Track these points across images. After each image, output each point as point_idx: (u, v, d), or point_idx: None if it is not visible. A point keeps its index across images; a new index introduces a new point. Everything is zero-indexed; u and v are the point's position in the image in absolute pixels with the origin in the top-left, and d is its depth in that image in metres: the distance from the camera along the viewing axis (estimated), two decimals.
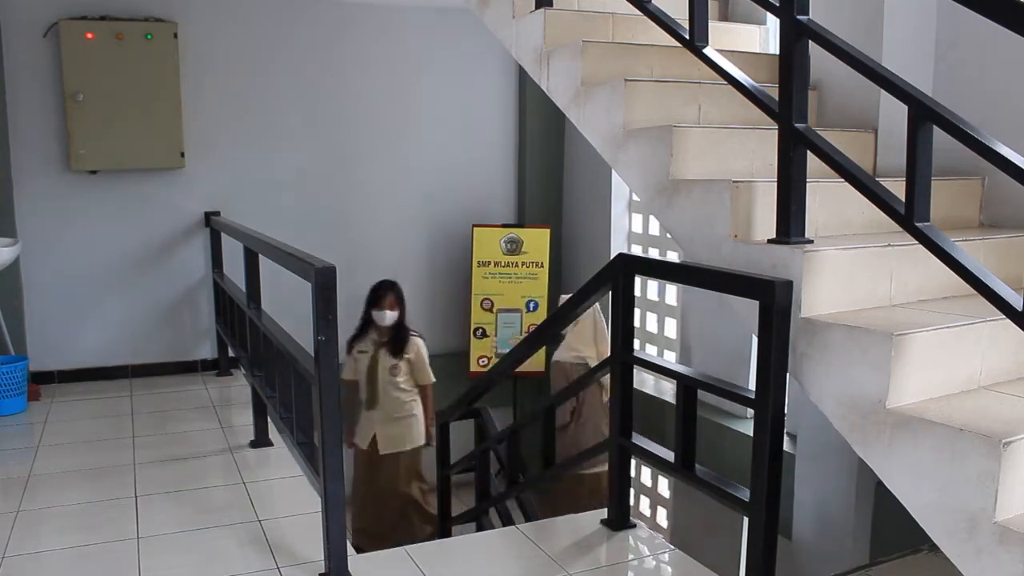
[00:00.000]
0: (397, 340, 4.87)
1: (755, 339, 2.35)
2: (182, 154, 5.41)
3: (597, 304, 3.78)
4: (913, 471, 1.89)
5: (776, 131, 2.32)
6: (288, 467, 3.87)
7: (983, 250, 2.48)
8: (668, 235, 3.96)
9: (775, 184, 2.33)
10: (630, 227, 6.14)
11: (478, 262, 6.12)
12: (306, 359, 2.96)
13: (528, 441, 4.08)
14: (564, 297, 4.19)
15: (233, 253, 4.82)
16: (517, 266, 6.12)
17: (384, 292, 4.85)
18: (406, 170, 6.19)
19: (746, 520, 2.46)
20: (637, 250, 6.02)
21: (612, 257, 3.04)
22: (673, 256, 5.56)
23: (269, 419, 4.11)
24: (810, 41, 2.27)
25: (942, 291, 2.38)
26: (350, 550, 2.84)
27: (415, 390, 4.97)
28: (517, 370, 4.49)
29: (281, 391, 3.49)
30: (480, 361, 6.18)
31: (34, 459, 4.04)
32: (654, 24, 2.88)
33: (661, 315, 5.82)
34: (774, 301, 2.18)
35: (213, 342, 5.64)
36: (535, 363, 5.95)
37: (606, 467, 3.15)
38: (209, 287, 5.62)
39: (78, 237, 5.36)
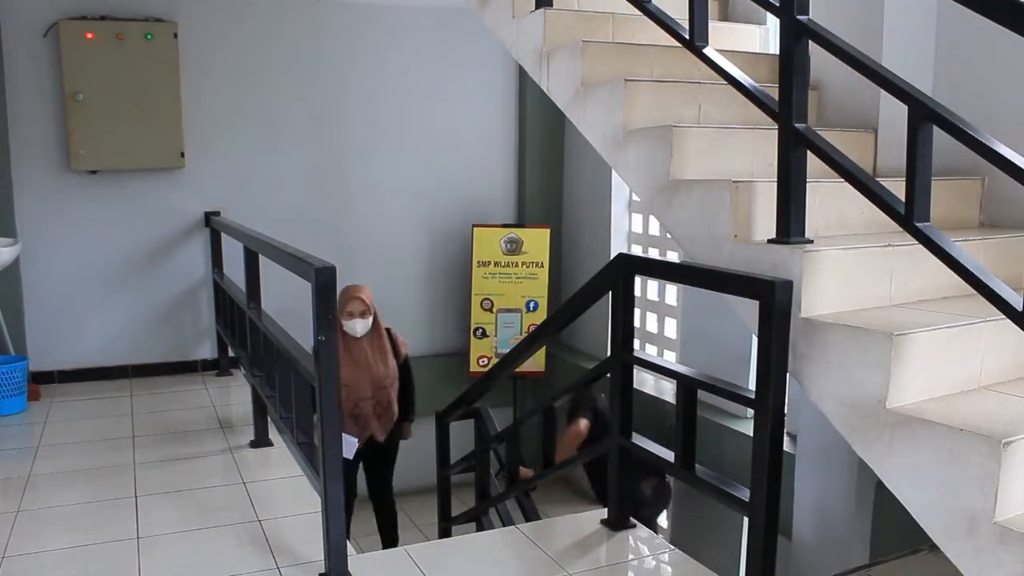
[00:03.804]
0: None
1: (755, 339, 2.35)
2: (182, 154, 5.41)
3: None
4: (913, 471, 1.89)
5: (776, 131, 2.32)
6: (288, 467, 3.87)
7: (983, 250, 2.48)
8: (668, 235, 3.95)
9: (775, 184, 2.33)
10: (630, 227, 6.14)
11: (478, 262, 6.12)
12: (306, 359, 2.96)
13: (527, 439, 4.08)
14: None
15: (233, 253, 4.81)
16: (517, 266, 6.12)
17: None
18: (406, 170, 6.19)
19: (746, 520, 2.46)
20: (637, 250, 6.02)
21: (612, 257, 3.03)
22: (673, 256, 5.55)
23: (269, 419, 4.11)
24: (810, 41, 2.27)
25: (942, 291, 2.38)
26: (350, 550, 2.84)
27: None
28: (517, 370, 4.49)
29: (281, 391, 3.49)
30: (480, 361, 6.17)
31: (34, 459, 4.03)
32: (654, 24, 2.88)
33: (661, 315, 5.82)
34: (774, 301, 2.17)
35: (213, 342, 5.63)
36: (535, 363, 5.97)
37: None
38: (209, 287, 5.61)
39: (78, 237, 5.36)
